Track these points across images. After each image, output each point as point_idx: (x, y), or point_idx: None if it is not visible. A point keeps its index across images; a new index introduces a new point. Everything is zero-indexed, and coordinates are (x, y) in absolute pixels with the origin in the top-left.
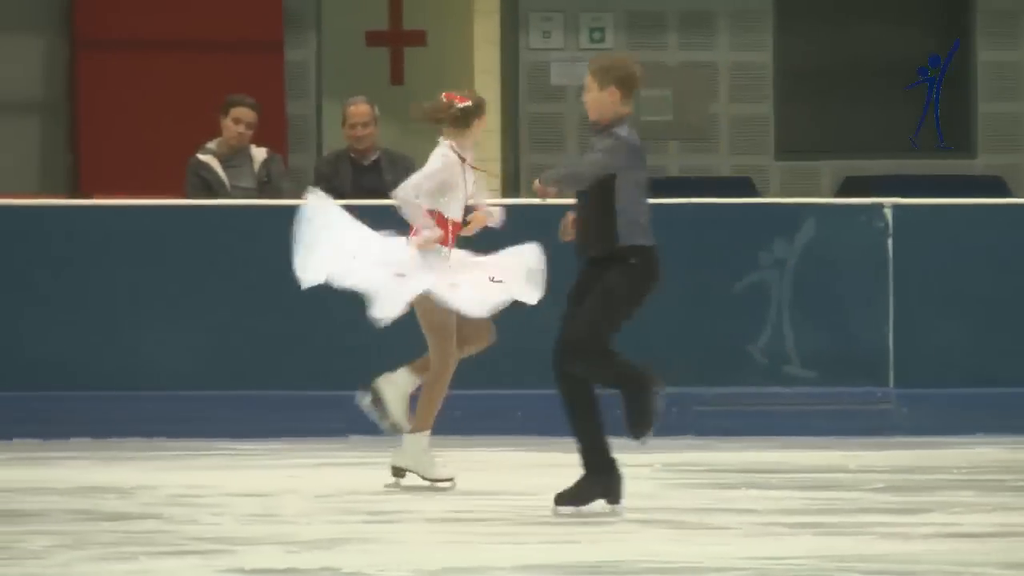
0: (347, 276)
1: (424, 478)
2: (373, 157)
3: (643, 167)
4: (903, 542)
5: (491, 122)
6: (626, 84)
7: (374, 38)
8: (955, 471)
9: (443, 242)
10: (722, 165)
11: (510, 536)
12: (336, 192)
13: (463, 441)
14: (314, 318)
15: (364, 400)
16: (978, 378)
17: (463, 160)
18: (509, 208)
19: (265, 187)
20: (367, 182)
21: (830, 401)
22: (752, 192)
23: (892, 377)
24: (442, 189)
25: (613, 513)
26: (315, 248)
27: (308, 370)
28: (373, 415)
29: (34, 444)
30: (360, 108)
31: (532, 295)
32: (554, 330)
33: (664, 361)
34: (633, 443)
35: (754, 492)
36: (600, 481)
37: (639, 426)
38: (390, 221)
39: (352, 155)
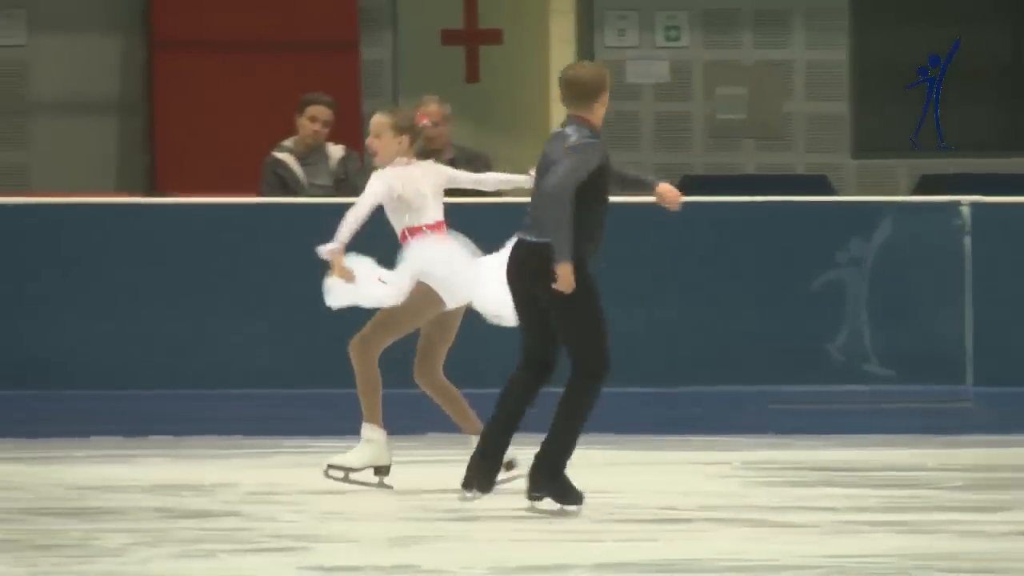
0: (371, 297)
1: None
2: (448, 156)
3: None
4: (981, 540)
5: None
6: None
7: (450, 37)
8: None
9: None
10: (797, 163)
11: (587, 534)
12: None
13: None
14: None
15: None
16: None
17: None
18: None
19: (342, 184)
20: None
21: (908, 399)
22: (828, 190)
23: (970, 375)
24: (402, 207)
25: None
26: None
27: (386, 368)
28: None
29: (114, 441)
30: (431, 109)
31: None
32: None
33: (741, 359)
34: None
35: (832, 490)
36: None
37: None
38: (462, 218)
39: (428, 153)
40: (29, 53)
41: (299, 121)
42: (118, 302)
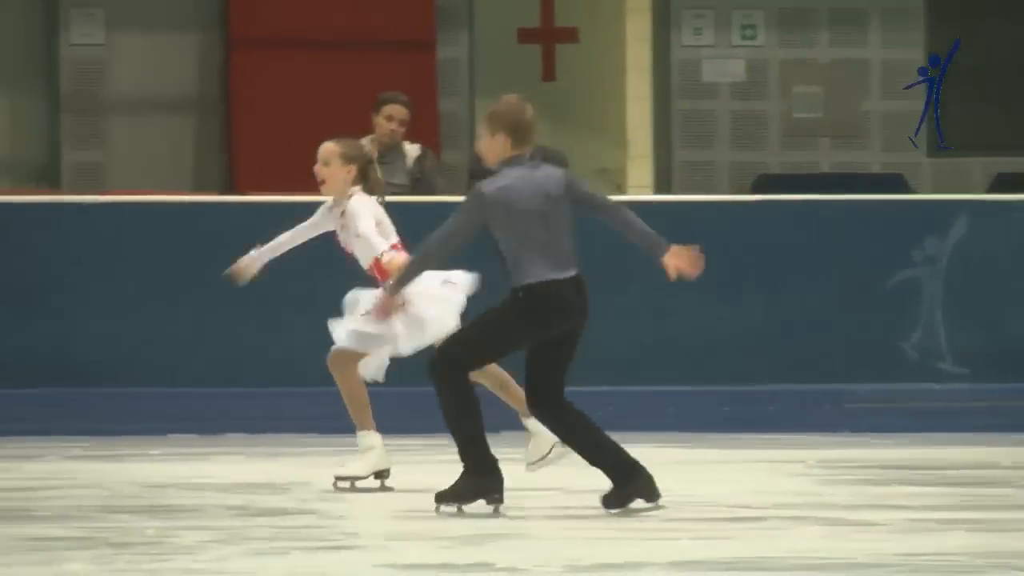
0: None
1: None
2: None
3: (527, 201)
4: None
5: (642, 119)
6: (516, 131)
7: (526, 35)
8: None
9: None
10: (873, 162)
11: (662, 532)
12: None
13: (619, 436)
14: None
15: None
16: None
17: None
18: (661, 205)
19: (418, 183)
20: None
21: (983, 398)
22: (904, 189)
23: None
24: (381, 232)
25: (496, 513)
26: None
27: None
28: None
29: (189, 440)
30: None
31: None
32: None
33: (816, 358)
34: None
35: (906, 488)
36: (481, 481)
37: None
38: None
39: None
40: (107, 52)
41: (376, 120)
42: (194, 301)
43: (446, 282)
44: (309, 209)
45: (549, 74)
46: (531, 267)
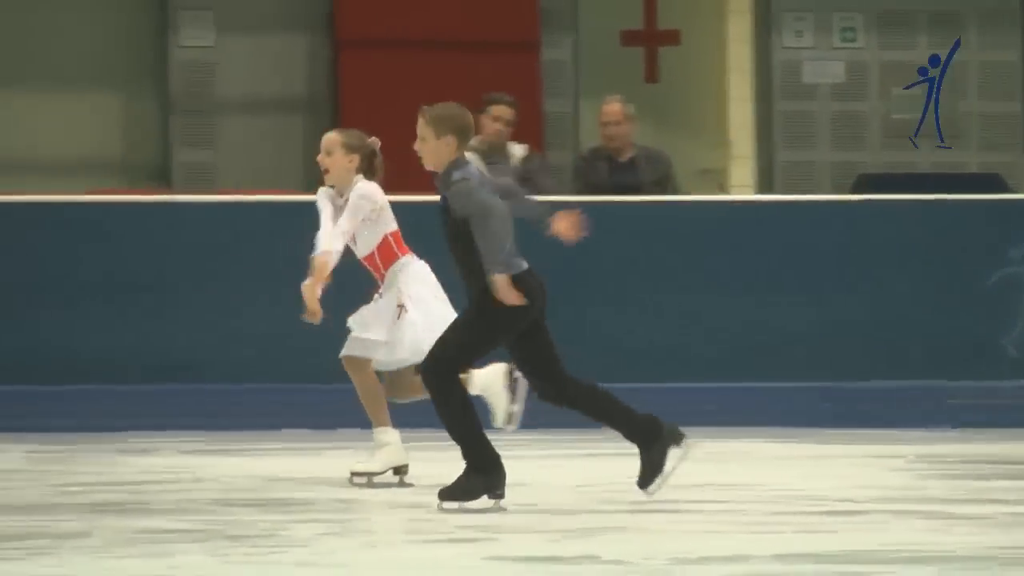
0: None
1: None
2: (630, 155)
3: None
4: None
5: (744, 120)
6: (463, 133)
7: (629, 37)
8: None
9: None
10: (971, 162)
11: (766, 525)
12: (593, 188)
13: (721, 432)
14: (578, 312)
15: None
16: None
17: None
18: (763, 204)
19: (524, 183)
20: (624, 179)
21: None
22: (1002, 188)
23: None
24: (384, 216)
25: (498, 508)
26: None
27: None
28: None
29: (302, 435)
30: (612, 107)
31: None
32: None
33: (917, 354)
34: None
35: (1007, 483)
36: (484, 478)
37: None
38: (643, 217)
39: (609, 152)
40: (217, 53)
41: (482, 120)
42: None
43: (436, 297)
44: (416, 208)
45: (652, 76)
46: (510, 259)
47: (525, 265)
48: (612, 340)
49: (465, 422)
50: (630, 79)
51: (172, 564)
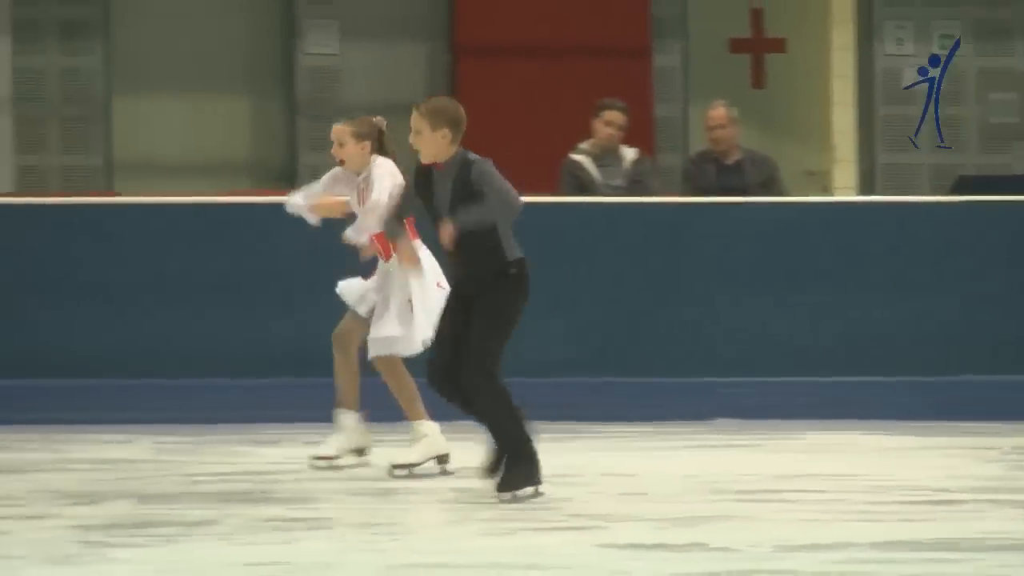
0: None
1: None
2: (736, 158)
3: None
4: None
5: (847, 124)
6: (457, 126)
7: (737, 45)
8: None
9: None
10: None
11: (866, 514)
12: (701, 190)
13: (825, 424)
14: (687, 311)
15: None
16: None
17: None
18: (865, 205)
19: (635, 186)
20: (730, 181)
21: None
22: None
23: None
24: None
25: (536, 495)
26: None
27: (682, 360)
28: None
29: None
30: (717, 112)
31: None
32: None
33: (1012, 350)
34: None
35: None
36: (529, 469)
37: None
38: (749, 218)
39: (716, 155)
40: (341, 60)
41: (595, 125)
42: None
43: (439, 285)
44: (531, 209)
45: (758, 82)
46: (512, 244)
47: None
48: (720, 337)
49: (514, 417)
50: (737, 85)
51: (296, 551)
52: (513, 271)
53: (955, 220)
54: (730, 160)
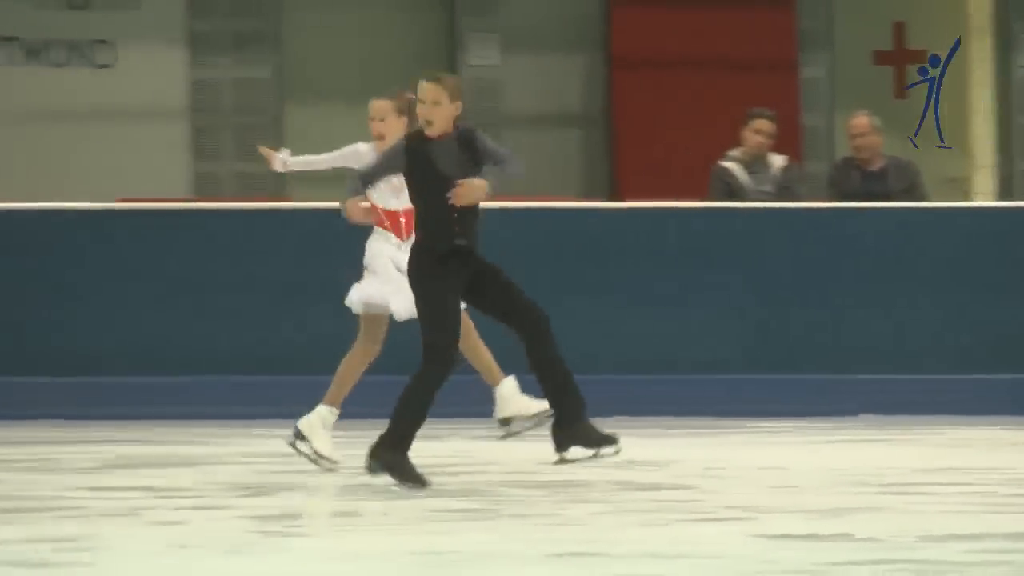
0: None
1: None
2: (880, 164)
3: None
4: None
5: (986, 132)
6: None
7: (881, 57)
8: None
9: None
10: None
11: (1007, 507)
12: (846, 195)
13: (962, 420)
14: (833, 310)
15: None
16: None
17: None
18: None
19: (784, 192)
20: (874, 187)
21: None
22: None
23: None
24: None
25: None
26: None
27: (812, 356)
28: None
29: None
30: (859, 120)
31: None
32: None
33: None
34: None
35: None
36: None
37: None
38: (893, 222)
39: (859, 162)
40: (502, 72)
41: (744, 133)
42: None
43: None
44: (682, 214)
45: (901, 92)
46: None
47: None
48: (862, 335)
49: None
50: (881, 95)
51: (461, 541)
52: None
53: None
54: (874, 167)
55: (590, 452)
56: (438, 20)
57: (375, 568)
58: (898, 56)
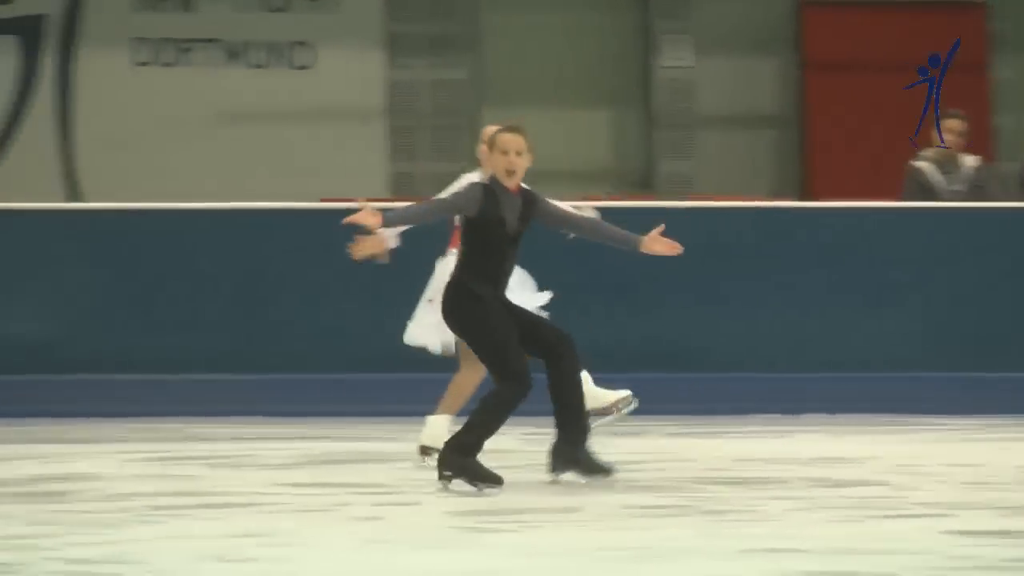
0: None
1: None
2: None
3: None
4: None
5: None
6: None
7: None
8: None
9: None
10: None
11: None
12: None
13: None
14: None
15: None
16: None
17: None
18: None
19: (977, 191)
20: None
21: None
22: None
23: None
24: None
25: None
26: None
27: (1003, 354)
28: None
29: (772, 419)
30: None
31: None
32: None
33: None
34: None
35: None
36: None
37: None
38: None
39: None
40: (696, 73)
41: (935, 134)
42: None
43: (430, 301)
44: (873, 215)
45: None
46: None
47: None
48: None
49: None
50: None
51: (659, 536)
52: None
53: None
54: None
55: (583, 481)
56: (632, 22)
57: (568, 563)
58: None
